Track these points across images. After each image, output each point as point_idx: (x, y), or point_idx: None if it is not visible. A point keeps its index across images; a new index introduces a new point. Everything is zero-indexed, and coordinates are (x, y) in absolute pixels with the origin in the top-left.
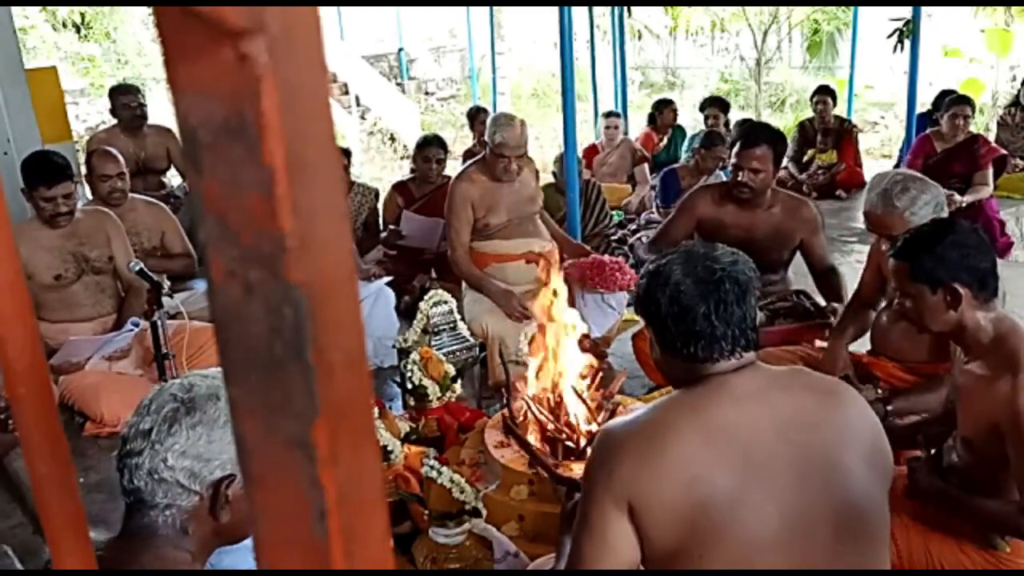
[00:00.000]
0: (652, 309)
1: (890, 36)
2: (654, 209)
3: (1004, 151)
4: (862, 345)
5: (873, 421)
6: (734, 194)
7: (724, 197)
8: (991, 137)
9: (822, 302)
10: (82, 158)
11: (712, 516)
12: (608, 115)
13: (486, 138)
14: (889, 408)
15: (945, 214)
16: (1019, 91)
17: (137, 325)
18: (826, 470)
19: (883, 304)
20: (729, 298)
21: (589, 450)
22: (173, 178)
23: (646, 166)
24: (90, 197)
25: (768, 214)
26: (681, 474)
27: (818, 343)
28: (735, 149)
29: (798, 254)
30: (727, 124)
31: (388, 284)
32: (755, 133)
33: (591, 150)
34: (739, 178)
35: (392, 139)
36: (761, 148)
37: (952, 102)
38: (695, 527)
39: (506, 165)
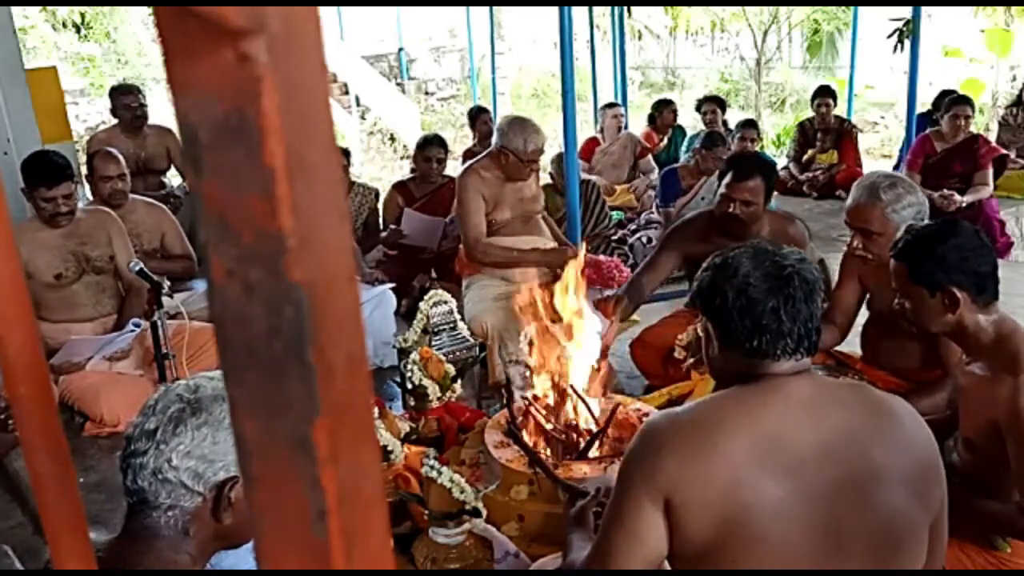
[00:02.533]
0: (717, 301)
1: (890, 36)
2: (654, 208)
3: (1004, 151)
4: (859, 349)
5: (927, 444)
6: (721, 225)
7: (709, 229)
8: (992, 137)
9: None
10: (82, 158)
11: (752, 522)
12: (611, 106)
13: (508, 143)
14: None
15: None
16: (1020, 91)
17: (138, 326)
18: (867, 491)
19: (868, 317)
20: (798, 295)
21: (628, 443)
22: (173, 178)
23: (650, 157)
24: (90, 197)
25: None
26: (727, 474)
27: None
28: (726, 180)
29: None
30: (725, 123)
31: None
32: (747, 165)
33: (591, 142)
34: (730, 210)
35: (392, 139)
36: (754, 180)
37: (952, 102)
38: (732, 530)
39: (531, 169)
